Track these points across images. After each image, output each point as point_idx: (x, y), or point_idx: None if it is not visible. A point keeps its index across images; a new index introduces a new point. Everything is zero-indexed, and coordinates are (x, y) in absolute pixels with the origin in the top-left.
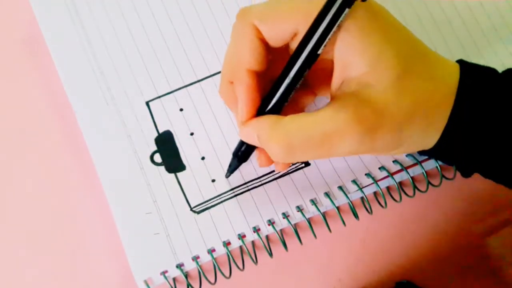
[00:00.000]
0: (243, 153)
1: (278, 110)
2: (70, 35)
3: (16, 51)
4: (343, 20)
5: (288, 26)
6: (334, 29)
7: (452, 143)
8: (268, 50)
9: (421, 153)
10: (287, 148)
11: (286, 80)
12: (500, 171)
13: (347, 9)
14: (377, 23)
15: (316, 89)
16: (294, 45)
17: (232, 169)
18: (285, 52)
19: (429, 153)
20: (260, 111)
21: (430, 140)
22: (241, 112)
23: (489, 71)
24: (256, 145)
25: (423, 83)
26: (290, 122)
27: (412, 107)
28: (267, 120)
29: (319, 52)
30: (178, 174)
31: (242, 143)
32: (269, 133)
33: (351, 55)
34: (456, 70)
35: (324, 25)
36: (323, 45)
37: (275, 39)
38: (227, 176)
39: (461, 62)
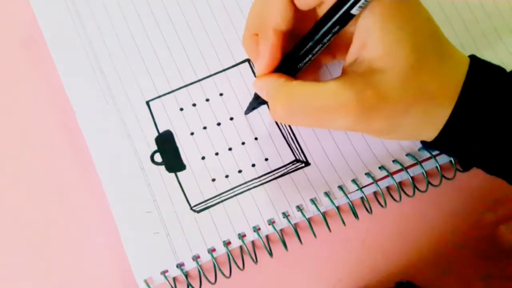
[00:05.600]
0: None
1: (296, 70)
2: (70, 35)
3: (16, 51)
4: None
5: None
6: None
7: (451, 137)
8: (295, 11)
9: (423, 144)
10: (287, 111)
11: (309, 43)
12: (502, 169)
13: None
14: (402, 10)
15: (335, 53)
16: (320, 11)
17: (250, 108)
18: (309, 15)
19: (430, 144)
20: (278, 68)
21: (427, 133)
22: (259, 67)
23: (497, 69)
24: (265, 99)
25: (430, 78)
26: (296, 88)
27: (413, 99)
28: (277, 80)
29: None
30: (178, 173)
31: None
32: (275, 93)
33: (369, 37)
34: (465, 66)
35: None
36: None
37: (303, 3)
38: (246, 113)
39: (472, 57)
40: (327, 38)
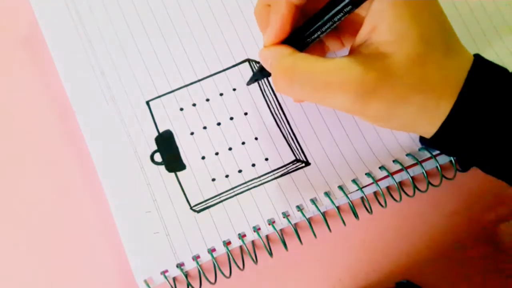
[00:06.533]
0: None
1: (304, 45)
2: (71, 35)
3: (16, 51)
4: None
5: None
6: None
7: (450, 135)
8: None
9: (422, 142)
10: (289, 81)
11: (321, 19)
12: (500, 168)
13: None
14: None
15: (343, 38)
16: None
17: (253, 79)
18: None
19: (429, 142)
20: (286, 41)
21: (425, 127)
22: (267, 37)
23: (499, 70)
24: (268, 69)
25: (434, 70)
26: (301, 59)
27: (414, 87)
28: (283, 50)
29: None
30: (178, 173)
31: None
32: (279, 62)
33: (381, 21)
34: (469, 63)
35: None
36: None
37: None
38: (248, 84)
39: (476, 56)
40: (339, 16)
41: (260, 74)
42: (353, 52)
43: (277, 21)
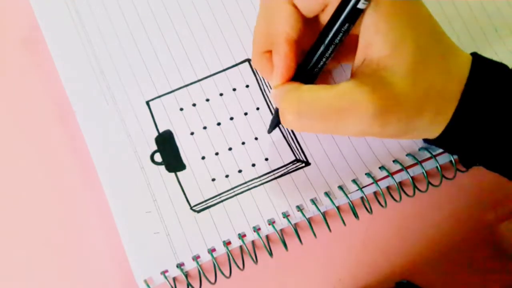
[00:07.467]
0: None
1: (312, 77)
2: (70, 35)
3: (16, 51)
4: None
5: None
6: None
7: (455, 135)
8: (302, 19)
9: (425, 140)
10: (295, 115)
11: (321, 46)
12: (504, 165)
13: None
14: (405, 7)
15: (340, 59)
16: (323, 17)
17: (273, 125)
18: (312, 29)
19: (433, 141)
20: (294, 78)
21: (435, 130)
22: (275, 78)
23: (499, 66)
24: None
25: (437, 75)
26: (305, 90)
27: (424, 98)
28: (289, 86)
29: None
30: (178, 173)
31: None
32: (284, 98)
33: (374, 35)
34: (468, 63)
35: None
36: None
37: (307, 10)
38: (269, 132)
39: (474, 55)
40: (338, 37)
41: (278, 117)
42: (355, 74)
43: (281, 61)
